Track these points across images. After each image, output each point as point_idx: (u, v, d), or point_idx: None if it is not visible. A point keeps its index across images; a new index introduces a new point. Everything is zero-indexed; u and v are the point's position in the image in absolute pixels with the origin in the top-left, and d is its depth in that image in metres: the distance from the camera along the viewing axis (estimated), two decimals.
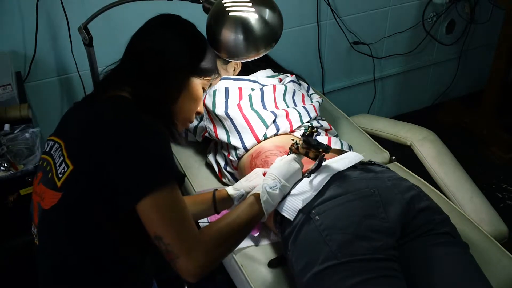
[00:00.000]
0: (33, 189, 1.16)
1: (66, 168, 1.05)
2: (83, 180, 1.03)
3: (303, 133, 1.28)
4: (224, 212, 1.37)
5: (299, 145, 1.28)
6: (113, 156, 1.00)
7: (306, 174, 1.27)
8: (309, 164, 1.29)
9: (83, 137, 1.07)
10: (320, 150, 1.25)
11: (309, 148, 1.26)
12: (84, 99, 1.21)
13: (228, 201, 1.35)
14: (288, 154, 1.30)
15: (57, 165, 1.08)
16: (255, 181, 1.34)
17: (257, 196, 1.19)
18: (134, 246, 1.10)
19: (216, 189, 1.39)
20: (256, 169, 1.41)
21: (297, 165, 1.27)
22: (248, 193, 1.32)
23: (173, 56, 1.17)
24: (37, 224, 1.11)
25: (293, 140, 1.31)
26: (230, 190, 1.36)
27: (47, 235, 1.10)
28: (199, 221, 1.49)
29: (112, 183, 1.00)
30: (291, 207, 1.27)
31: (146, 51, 1.17)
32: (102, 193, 1.01)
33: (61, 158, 1.07)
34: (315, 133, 1.33)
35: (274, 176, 1.24)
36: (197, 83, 1.22)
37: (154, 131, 1.04)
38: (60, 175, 1.06)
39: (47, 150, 1.14)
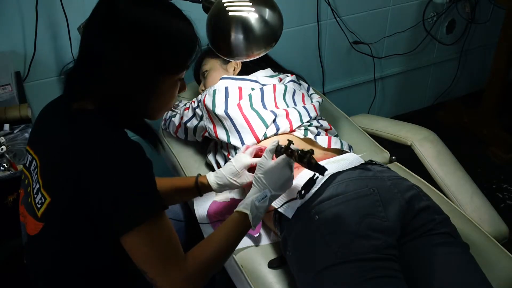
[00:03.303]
0: (19, 203, 1.15)
1: (43, 199, 1.02)
2: (62, 213, 1.02)
3: (295, 152, 1.19)
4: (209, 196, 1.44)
5: (294, 151, 1.20)
6: (92, 190, 0.96)
7: (297, 194, 1.24)
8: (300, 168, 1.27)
9: (57, 166, 1.02)
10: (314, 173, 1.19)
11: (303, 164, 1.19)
12: (54, 105, 1.13)
13: (210, 187, 1.39)
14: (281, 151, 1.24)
15: (34, 191, 1.05)
16: (242, 179, 1.36)
17: (244, 215, 1.15)
18: (125, 266, 1.07)
19: (199, 175, 1.42)
20: (241, 157, 1.39)
21: (289, 173, 1.21)
22: (231, 185, 1.37)
23: (130, 60, 0.99)
24: (24, 245, 1.12)
25: (288, 140, 1.25)
26: (213, 183, 1.39)
27: (34, 261, 1.11)
28: (200, 223, 1.49)
29: (93, 217, 0.98)
30: (290, 205, 1.27)
31: (100, 56, 0.99)
32: (84, 226, 1.01)
33: (37, 186, 1.04)
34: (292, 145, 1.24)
35: (263, 184, 1.20)
36: (170, 79, 1.06)
37: (134, 158, 0.99)
38: (38, 205, 1.04)
39: (27, 164, 1.11)
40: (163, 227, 1.01)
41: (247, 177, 1.37)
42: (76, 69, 1.06)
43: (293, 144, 1.23)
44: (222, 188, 1.40)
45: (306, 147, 1.52)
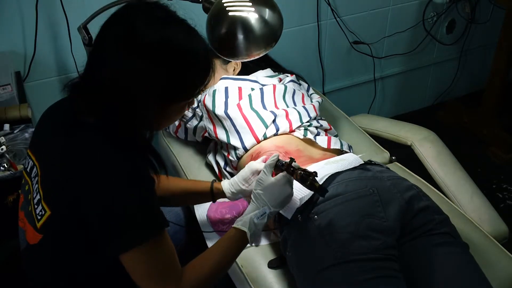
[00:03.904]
0: (18, 207, 1.15)
1: (43, 212, 1.02)
2: (62, 227, 1.02)
3: (296, 172, 1.17)
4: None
5: (296, 170, 1.17)
6: (93, 208, 0.96)
7: (299, 216, 1.24)
8: None
9: (57, 182, 1.01)
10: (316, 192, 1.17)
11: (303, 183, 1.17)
12: (57, 110, 1.12)
13: (224, 194, 1.38)
14: (282, 168, 1.22)
15: (35, 201, 1.05)
16: (252, 185, 1.31)
17: (242, 232, 1.15)
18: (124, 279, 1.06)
19: (215, 181, 1.40)
20: (252, 163, 1.36)
21: (289, 190, 1.20)
22: (243, 192, 1.34)
23: (141, 90, 0.97)
24: (22, 251, 1.12)
25: (290, 158, 1.22)
26: (227, 191, 1.37)
27: (33, 269, 1.11)
28: (203, 231, 1.48)
29: (93, 234, 0.98)
30: (289, 206, 1.27)
31: (107, 81, 0.97)
32: (84, 241, 1.01)
33: (38, 197, 1.04)
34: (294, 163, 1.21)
35: (263, 201, 1.19)
36: (180, 104, 1.07)
37: (136, 178, 0.98)
38: (38, 217, 1.04)
39: (28, 169, 1.11)
40: (162, 245, 1.01)
41: None
42: (83, 87, 1.03)
43: (294, 162, 1.20)
44: (235, 195, 1.37)
45: (306, 148, 1.52)
